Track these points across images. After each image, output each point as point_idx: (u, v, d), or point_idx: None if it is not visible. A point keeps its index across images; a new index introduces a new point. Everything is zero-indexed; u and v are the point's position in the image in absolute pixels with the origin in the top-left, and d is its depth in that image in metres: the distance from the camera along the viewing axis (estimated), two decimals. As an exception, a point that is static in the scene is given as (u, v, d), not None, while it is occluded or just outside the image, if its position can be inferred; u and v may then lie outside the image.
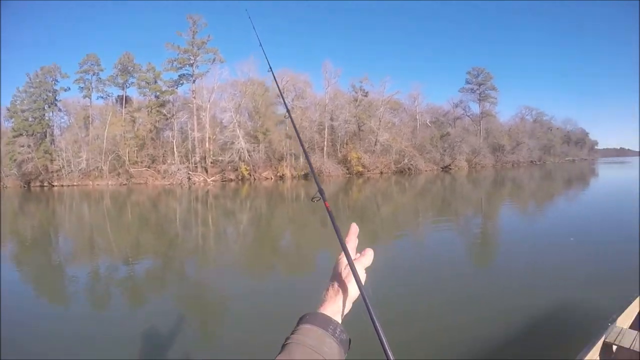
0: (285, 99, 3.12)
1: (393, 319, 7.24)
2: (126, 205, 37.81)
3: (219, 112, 69.85)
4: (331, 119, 72.63)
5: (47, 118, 73.78)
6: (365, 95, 78.30)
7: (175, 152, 67.68)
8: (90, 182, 66.63)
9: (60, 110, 76.25)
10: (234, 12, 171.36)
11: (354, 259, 1.22)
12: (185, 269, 13.97)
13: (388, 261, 12.52)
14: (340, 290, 1.17)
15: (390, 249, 14.91)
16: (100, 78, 74.50)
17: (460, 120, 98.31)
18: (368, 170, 71.59)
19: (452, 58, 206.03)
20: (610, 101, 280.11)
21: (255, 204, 34.70)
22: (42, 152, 68.54)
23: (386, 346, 0.96)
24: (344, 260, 1.23)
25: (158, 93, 72.55)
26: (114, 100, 76.58)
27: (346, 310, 1.17)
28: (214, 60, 69.99)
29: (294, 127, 2.29)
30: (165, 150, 69.79)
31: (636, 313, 5.85)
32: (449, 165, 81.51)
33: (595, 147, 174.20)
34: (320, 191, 1.52)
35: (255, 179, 64.61)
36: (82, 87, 73.75)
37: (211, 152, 66.29)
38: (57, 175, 68.00)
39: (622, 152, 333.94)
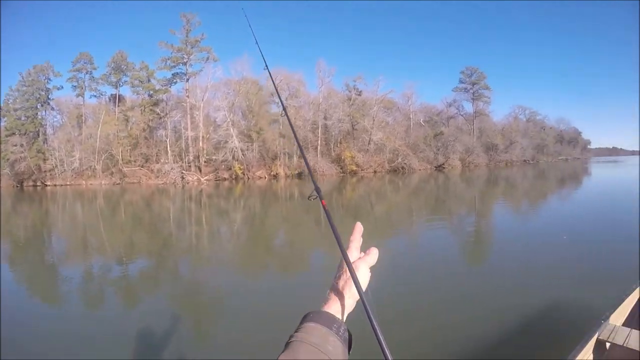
0: (280, 98, 3.15)
1: (386, 317, 7.22)
2: (119, 204, 37.69)
3: (212, 111, 69.86)
4: (325, 118, 72.63)
5: (39, 117, 73.44)
6: (359, 94, 78.38)
7: (169, 151, 67.56)
8: (84, 182, 66.40)
9: (53, 109, 75.94)
10: (226, 11, 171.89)
11: (359, 258, 1.24)
12: (179, 268, 13.95)
13: (381, 260, 12.56)
14: (345, 289, 1.16)
15: (383, 248, 14.92)
16: (93, 77, 74.32)
17: (454, 119, 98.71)
18: (362, 169, 71.69)
19: (446, 57, 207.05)
20: (603, 101, 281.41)
21: (249, 203, 34.67)
22: (34, 151, 68.19)
23: (384, 346, 0.97)
24: (349, 258, 1.22)
25: (151, 92, 72.36)
26: (107, 99, 76.38)
27: (350, 309, 1.16)
28: (207, 58, 69.98)
29: (291, 125, 2.31)
30: (158, 150, 69.61)
31: (629, 310, 5.89)
32: (443, 164, 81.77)
33: (588, 146, 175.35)
34: (317, 189, 1.54)
35: (248, 178, 64.58)
36: (75, 86, 73.56)
37: (205, 151, 66.20)
38: (50, 174, 67.71)
39: (614, 152, 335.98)
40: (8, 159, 67.87)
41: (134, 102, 73.38)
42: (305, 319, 1.09)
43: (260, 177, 65.82)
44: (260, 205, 33.37)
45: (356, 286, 1.11)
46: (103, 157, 66.88)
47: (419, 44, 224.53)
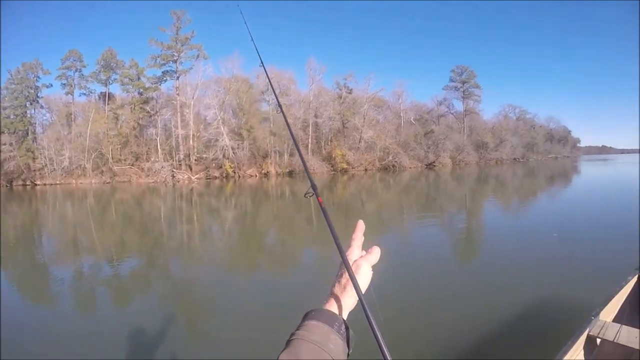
0: (276, 95, 3.16)
1: (380, 315, 7.23)
2: (110, 203, 37.51)
3: (202, 109, 69.74)
4: (315, 116, 72.69)
5: (29, 115, 72.76)
6: (350, 93, 78.50)
7: (159, 149, 67.34)
8: (74, 181, 65.98)
9: (42, 107, 75.34)
10: (216, 8, 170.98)
11: (361, 256, 1.23)
12: (171, 267, 13.93)
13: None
14: (346, 287, 1.15)
15: (374, 245, 14.97)
16: (82, 74, 73.89)
17: (444, 117, 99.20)
18: (352, 167, 71.84)
19: (436, 56, 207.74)
20: (592, 100, 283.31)
21: (240, 202, 34.61)
22: (24, 150, 67.62)
23: (383, 346, 0.97)
24: (351, 257, 1.23)
25: (141, 90, 71.98)
26: (97, 97, 75.91)
27: (352, 308, 1.16)
28: (197, 56, 69.84)
29: (287, 123, 2.32)
30: (149, 148, 69.34)
31: (619, 306, 5.94)
32: (433, 162, 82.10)
33: (578, 144, 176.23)
34: (313, 187, 1.55)
35: (239, 176, 64.52)
36: (64, 84, 73.06)
37: (195, 150, 66.08)
38: (40, 173, 67.15)
39: (604, 150, 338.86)
40: (-2, 158, 67.36)
41: (124, 100, 72.94)
42: (306, 316, 1.09)
43: (251, 176, 65.75)
44: (251, 203, 33.32)
45: (354, 284, 1.11)
46: (93, 156, 66.46)
47: (410, 43, 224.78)
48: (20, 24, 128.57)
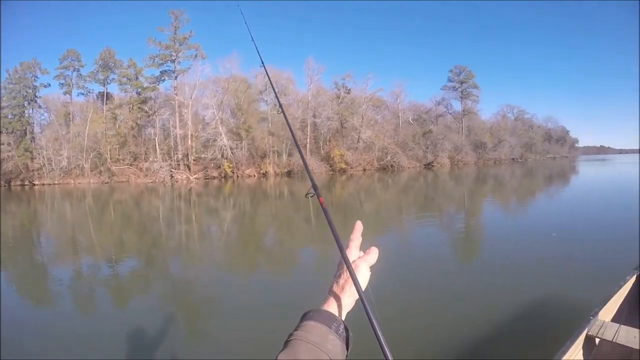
0: (277, 96, 3.17)
1: (378, 315, 7.22)
2: (109, 203, 37.47)
3: (201, 109, 69.71)
4: (314, 116, 72.71)
5: (27, 115, 72.67)
6: (348, 93, 78.54)
7: (158, 149, 67.30)
8: (72, 181, 65.95)
9: (40, 107, 75.25)
10: (214, 8, 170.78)
11: (359, 257, 1.24)
12: (170, 267, 13.93)
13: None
14: (345, 288, 1.16)
15: (373, 245, 14.98)
16: (80, 74, 73.90)
17: (443, 117, 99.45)
18: (351, 167, 71.86)
19: (434, 56, 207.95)
20: (591, 100, 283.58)
21: (238, 202, 34.61)
22: (22, 150, 67.55)
23: (384, 346, 0.98)
24: (349, 257, 1.22)
25: (139, 89, 71.87)
26: (95, 97, 75.88)
27: (349, 308, 1.17)
28: (195, 56, 69.79)
29: (288, 124, 2.32)
30: (147, 148, 69.29)
31: (617, 306, 5.95)
32: (432, 162, 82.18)
33: (576, 144, 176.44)
34: (314, 187, 1.56)
35: (238, 176, 64.50)
36: (62, 84, 73.14)
37: (193, 150, 66.04)
38: (38, 173, 67.12)
39: (602, 150, 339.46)
40: (-5, 158, 67.27)
41: (122, 100, 72.88)
42: (304, 317, 1.09)
43: (250, 176, 65.73)
44: (250, 203, 33.31)
45: (355, 285, 1.11)
46: (91, 156, 66.47)
47: (408, 43, 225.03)
48: (18, 23, 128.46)
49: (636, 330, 4.85)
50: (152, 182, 61.74)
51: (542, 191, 35.22)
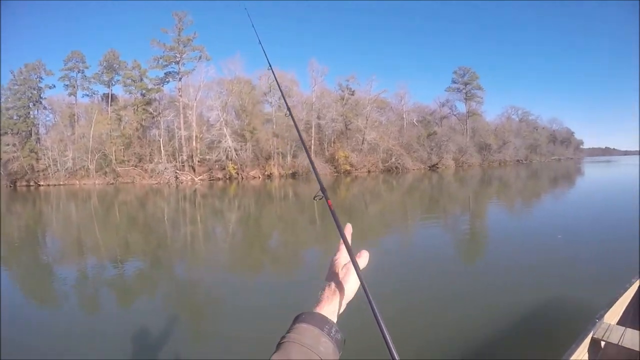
0: (285, 99, 3.15)
1: (382, 315, 7.18)
2: (114, 204, 37.53)
3: (205, 110, 69.86)
4: (318, 118, 72.71)
5: (32, 116, 73.14)
6: (352, 94, 78.46)
7: (162, 150, 67.42)
8: (77, 182, 66.23)
9: (45, 108, 75.73)
10: (217, 10, 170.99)
11: (350, 261, 1.23)
12: (175, 268, 13.92)
13: (376, 258, 12.61)
14: (337, 290, 1.17)
15: (378, 247, 15.02)
16: (85, 75, 74.24)
17: (447, 119, 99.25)
18: (355, 169, 71.82)
19: (438, 57, 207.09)
20: (595, 101, 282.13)
21: (243, 203, 34.62)
22: (27, 151, 67.89)
23: (391, 345, 0.98)
24: (340, 260, 1.25)
25: (144, 91, 72.20)
26: (100, 98, 76.24)
27: (341, 310, 1.17)
28: (200, 58, 70.01)
29: (297, 127, 2.30)
30: (152, 149, 69.44)
31: (623, 309, 5.91)
32: (436, 164, 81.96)
33: (581, 146, 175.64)
34: (323, 189, 1.58)
35: (242, 177, 64.56)
36: (67, 85, 73.50)
37: (198, 151, 66.16)
38: (44, 174, 67.47)
39: (607, 152, 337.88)
40: (0, 159, 67.51)
41: (127, 102, 73.18)
42: (297, 319, 1.10)
43: (254, 177, 65.78)
44: (254, 205, 33.31)
45: (363, 289, 1.13)
46: (96, 157, 66.74)
47: (412, 44, 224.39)
48: (23, 24, 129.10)
49: None
50: (157, 184, 61.90)
51: (547, 193, 35.12)
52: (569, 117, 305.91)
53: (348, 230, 1.34)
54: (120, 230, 22.49)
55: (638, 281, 6.32)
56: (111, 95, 74.09)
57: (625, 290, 6.05)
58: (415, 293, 9.31)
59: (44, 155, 67.22)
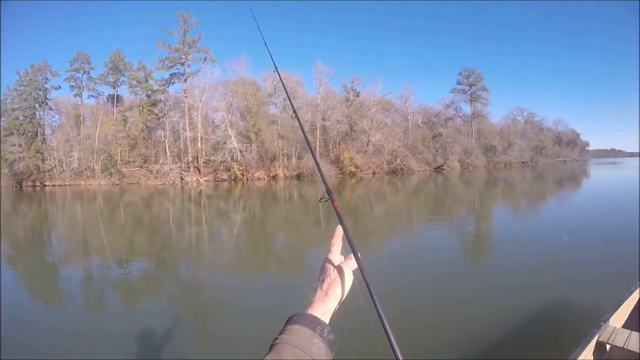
0: (291, 101, 3.16)
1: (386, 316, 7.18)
2: (119, 205, 37.64)
3: (210, 111, 69.94)
4: (323, 119, 72.66)
5: (38, 117, 73.55)
6: (357, 96, 78.34)
7: (168, 151, 67.58)
8: (83, 182, 66.49)
9: (51, 109, 76.20)
10: (222, 11, 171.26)
11: (342, 262, 1.26)
12: (180, 269, 13.94)
13: (381, 260, 12.65)
14: (328, 292, 1.18)
15: (383, 248, 15.02)
16: (90, 77, 74.61)
17: (452, 120, 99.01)
18: (361, 171, 71.67)
19: (444, 58, 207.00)
20: (601, 102, 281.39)
21: (248, 204, 34.65)
22: (33, 151, 68.27)
23: (395, 346, 1.00)
24: (332, 261, 1.26)
25: (149, 92, 72.38)
26: (105, 99, 76.60)
27: (333, 312, 1.18)
28: (205, 59, 69.96)
29: (302, 129, 2.31)
30: (157, 150, 69.60)
31: (629, 312, 5.89)
32: (442, 165, 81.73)
33: (587, 147, 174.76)
34: (328, 192, 1.59)
35: (248, 179, 64.59)
36: (72, 86, 73.83)
37: (203, 152, 66.23)
38: (49, 174, 67.79)
39: (613, 153, 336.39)
40: (7, 159, 67.88)
41: (132, 103, 73.49)
42: (289, 321, 1.11)
43: (260, 178, 65.80)
44: (259, 206, 33.34)
45: (368, 290, 1.16)
46: (102, 158, 66.99)
47: (417, 45, 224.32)
48: (28, 25, 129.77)
49: None
50: (162, 184, 62.02)
51: (553, 195, 35.01)
52: (574, 118, 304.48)
53: (338, 233, 1.35)
54: (125, 230, 22.54)
55: None
56: (117, 96, 74.35)
57: (631, 293, 6.02)
58: (420, 294, 9.30)
59: (49, 155, 67.58)
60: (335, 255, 1.28)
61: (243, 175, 64.74)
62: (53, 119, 77.74)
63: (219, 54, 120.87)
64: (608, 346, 4.93)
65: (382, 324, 1.06)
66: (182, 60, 68.94)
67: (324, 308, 1.16)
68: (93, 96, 76.31)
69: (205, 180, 64.12)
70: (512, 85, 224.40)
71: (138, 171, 67.38)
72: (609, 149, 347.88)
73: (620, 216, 19.52)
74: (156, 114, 70.19)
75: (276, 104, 71.34)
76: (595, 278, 9.76)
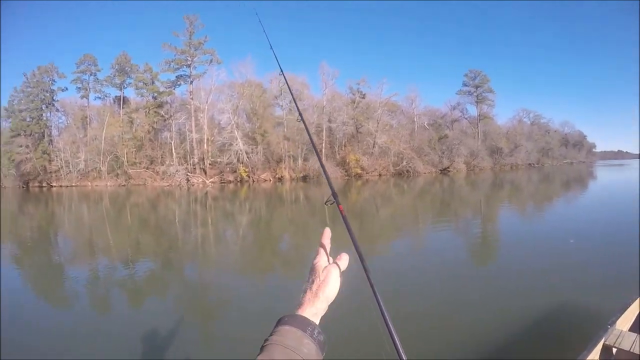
0: (295, 104, 3.16)
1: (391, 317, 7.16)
2: (125, 206, 37.76)
3: (216, 113, 69.93)
4: (329, 121, 72.64)
5: (44, 118, 73.83)
6: (363, 97, 78.21)
7: (174, 153, 67.72)
8: (89, 183, 66.75)
9: (57, 110, 76.51)
10: (228, 13, 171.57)
11: (330, 264, 1.27)
12: (186, 270, 13.98)
13: (387, 262, 12.63)
14: (318, 293, 1.19)
15: (389, 250, 15.01)
16: (97, 78, 74.96)
17: (458, 122, 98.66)
18: (366, 173, 71.59)
19: (449, 60, 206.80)
20: (607, 104, 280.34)
21: (254, 206, 34.67)
22: (40, 152, 68.55)
23: (399, 346, 1.01)
24: (321, 263, 1.27)
25: (155, 94, 72.51)
26: (112, 101, 76.81)
27: (323, 313, 1.19)
28: (211, 61, 70.00)
29: (308, 132, 2.30)
30: (163, 152, 69.77)
31: (635, 315, 5.87)
32: (448, 167, 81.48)
33: (593, 149, 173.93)
34: (334, 194, 1.57)
35: (253, 180, 64.65)
36: (79, 88, 74.17)
37: (209, 154, 66.26)
38: (56, 175, 68.11)
39: (619, 155, 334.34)
40: (13, 160, 68.23)
41: (139, 104, 73.58)
42: (280, 322, 1.12)
43: (265, 180, 65.82)
44: (265, 208, 33.34)
45: (373, 290, 1.17)
46: (108, 159, 67.27)
47: (423, 46, 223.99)
48: (35, 27, 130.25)
49: None
50: (168, 186, 62.16)
51: (559, 197, 34.90)
52: (581, 120, 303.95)
53: (327, 234, 1.37)
54: (131, 231, 22.60)
55: None
56: (123, 97, 74.75)
57: (638, 296, 6.01)
58: (426, 296, 9.30)
59: (56, 156, 67.92)
60: (324, 257, 1.29)
61: (249, 176, 64.81)
62: (60, 121, 78.22)
63: (225, 56, 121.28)
64: (614, 349, 4.92)
65: (386, 324, 1.06)
66: (188, 62, 69.08)
67: (314, 309, 1.16)
68: (99, 98, 76.77)
69: (212, 182, 64.22)
70: (518, 87, 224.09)
71: (144, 172, 67.59)
72: (616, 150, 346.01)
73: (626, 218, 19.41)
74: (162, 116, 70.37)
75: (282, 105, 71.30)
76: (601, 281, 9.72)
